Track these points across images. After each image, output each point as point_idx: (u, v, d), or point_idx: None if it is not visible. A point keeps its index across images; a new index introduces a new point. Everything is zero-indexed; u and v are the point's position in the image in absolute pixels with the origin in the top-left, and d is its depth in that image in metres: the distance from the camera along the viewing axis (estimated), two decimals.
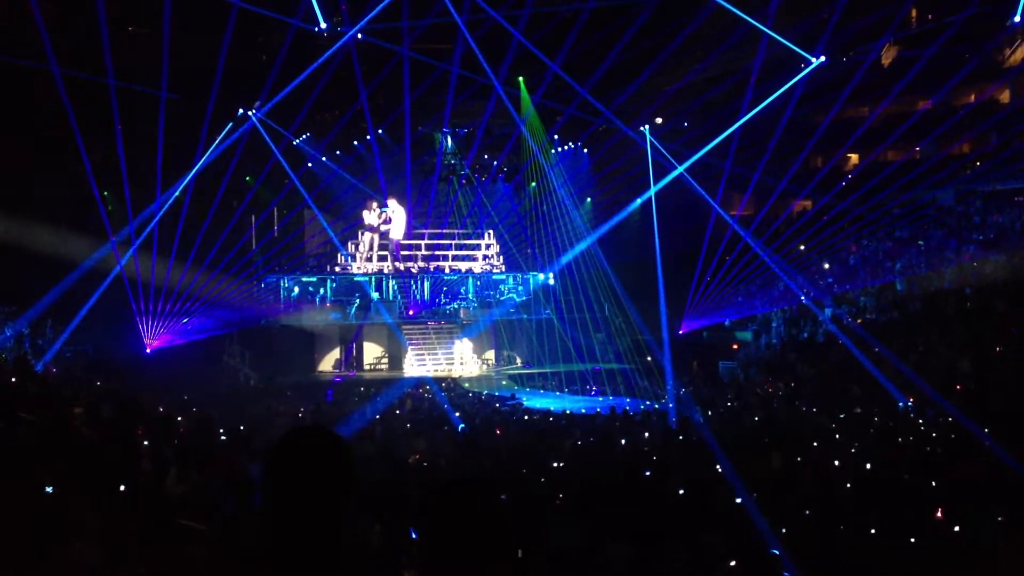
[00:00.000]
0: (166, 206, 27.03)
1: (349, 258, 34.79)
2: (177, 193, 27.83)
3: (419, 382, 27.35)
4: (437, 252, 35.95)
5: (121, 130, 24.15)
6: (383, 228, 34.40)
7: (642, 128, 32.51)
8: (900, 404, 20.46)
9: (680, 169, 30.73)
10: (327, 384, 29.18)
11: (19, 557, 4.94)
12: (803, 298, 29.47)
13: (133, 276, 26.15)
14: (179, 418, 17.90)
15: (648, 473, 12.08)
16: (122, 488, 7.99)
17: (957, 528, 9.21)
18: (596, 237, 32.54)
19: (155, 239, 26.44)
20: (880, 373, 22.45)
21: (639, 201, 32.26)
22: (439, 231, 36.24)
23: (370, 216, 34.38)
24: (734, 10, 24.56)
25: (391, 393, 23.99)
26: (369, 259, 34.74)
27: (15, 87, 24.81)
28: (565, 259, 33.07)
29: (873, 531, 9.29)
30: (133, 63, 24.59)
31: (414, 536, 7.48)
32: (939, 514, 9.31)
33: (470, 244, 36.64)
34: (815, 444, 15.03)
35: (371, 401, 22.81)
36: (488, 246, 36.79)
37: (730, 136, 29.39)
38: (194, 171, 27.29)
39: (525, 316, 35.02)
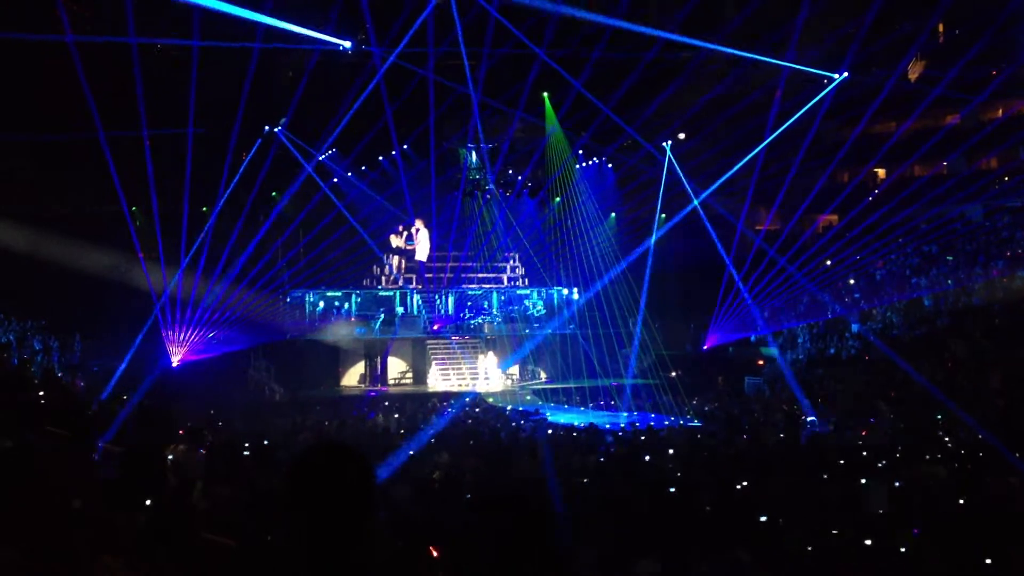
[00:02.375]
0: (208, 228, 27.35)
1: (375, 280, 35.01)
2: (204, 209, 28.13)
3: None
4: (462, 275, 36.03)
5: (149, 146, 24.36)
6: (408, 248, 34.58)
7: (664, 144, 32.57)
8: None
9: (704, 195, 30.78)
10: (357, 399, 29.24)
11: (47, 571, 4.95)
12: (828, 314, 29.34)
13: (160, 290, 26.33)
14: (204, 432, 17.98)
15: (673, 489, 12.02)
16: (148, 502, 8.01)
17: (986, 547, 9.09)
18: (627, 262, 32.44)
19: (183, 254, 26.65)
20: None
21: (675, 219, 32.08)
22: (462, 253, 36.20)
23: (397, 240, 34.59)
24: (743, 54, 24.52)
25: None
26: (396, 280, 34.89)
27: (47, 104, 25.18)
28: (599, 285, 32.79)
29: (903, 549, 9.19)
30: (162, 79, 24.84)
31: (435, 553, 7.45)
32: None
33: (495, 266, 36.70)
34: (841, 461, 14.91)
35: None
36: (514, 268, 36.88)
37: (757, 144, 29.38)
38: (226, 191, 27.55)
39: (549, 331, 34.97)
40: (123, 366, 24.39)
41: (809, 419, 22.24)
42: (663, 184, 32.35)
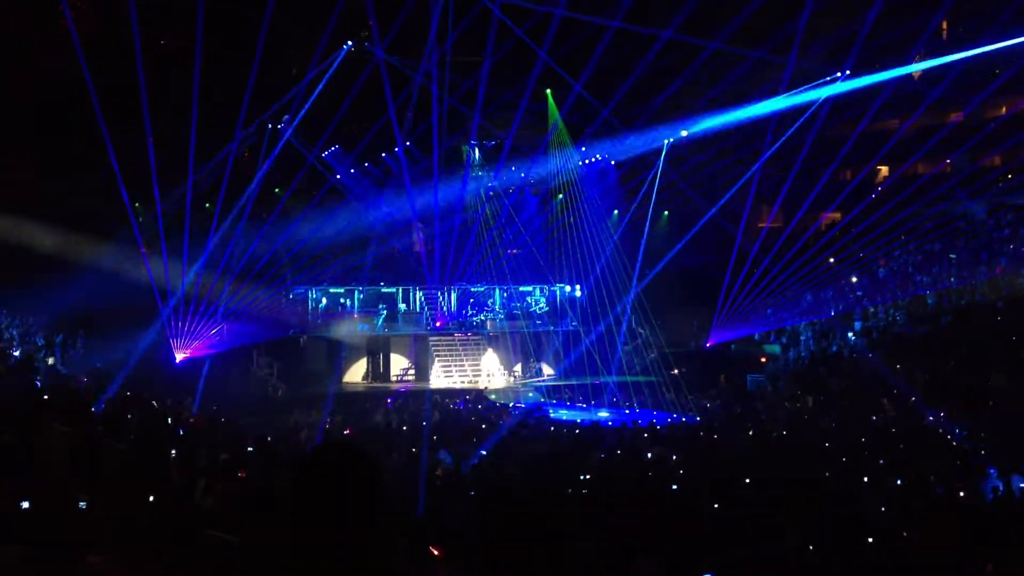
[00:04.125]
0: (212, 225, 27.36)
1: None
2: (207, 206, 28.14)
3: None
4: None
5: (152, 142, 24.34)
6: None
7: (666, 140, 32.62)
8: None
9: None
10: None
11: (49, 567, 4.98)
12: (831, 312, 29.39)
13: (163, 287, 26.34)
14: (208, 429, 18.01)
15: (675, 487, 12.04)
16: (151, 499, 8.04)
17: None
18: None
19: (185, 250, 26.63)
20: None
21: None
22: (464, 250, 36.18)
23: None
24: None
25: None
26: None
27: (50, 101, 25.20)
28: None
29: (904, 544, 9.21)
30: (165, 74, 24.83)
31: (437, 552, 7.46)
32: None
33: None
34: (844, 459, 14.94)
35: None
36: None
37: (759, 148, 29.36)
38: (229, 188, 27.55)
39: (551, 328, 35.00)
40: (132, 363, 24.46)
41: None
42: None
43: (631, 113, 29.79)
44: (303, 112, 28.18)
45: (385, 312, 33.95)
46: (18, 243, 24.11)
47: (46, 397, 15.14)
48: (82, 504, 6.85)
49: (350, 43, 25.83)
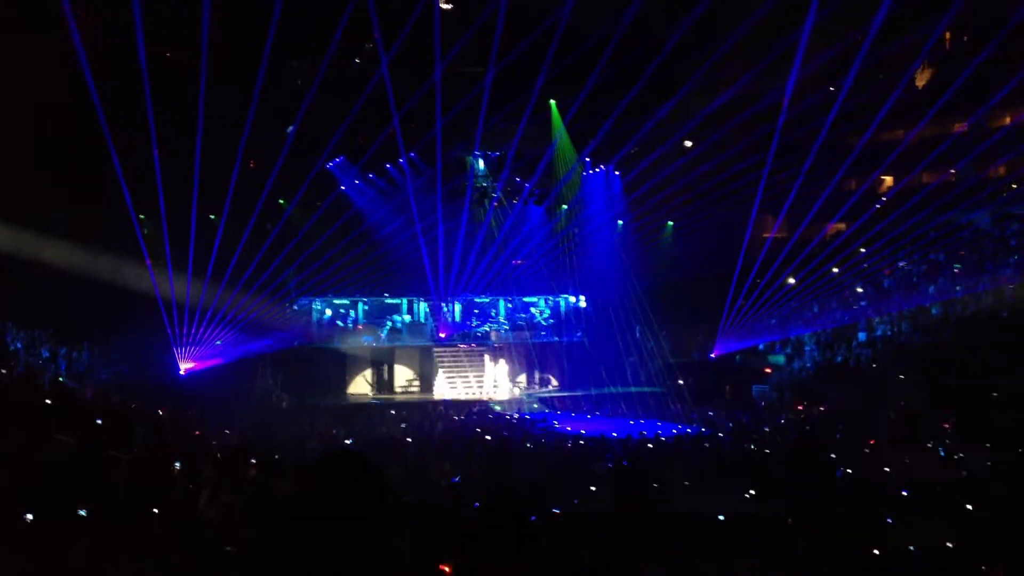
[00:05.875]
0: (216, 235, 27.41)
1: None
2: (212, 217, 28.19)
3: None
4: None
5: (158, 154, 24.41)
6: None
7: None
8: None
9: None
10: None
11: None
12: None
13: (168, 298, 26.38)
14: (212, 440, 18.01)
15: (680, 495, 12.03)
16: (156, 510, 8.03)
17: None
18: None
19: (190, 262, 26.69)
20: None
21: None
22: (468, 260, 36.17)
23: None
24: None
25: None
26: None
27: (55, 114, 25.29)
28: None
29: (911, 550, 9.18)
30: (170, 86, 24.90)
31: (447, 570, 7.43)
32: None
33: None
34: (849, 471, 14.90)
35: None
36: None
37: (763, 158, 29.35)
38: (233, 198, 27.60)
39: (556, 339, 34.97)
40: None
41: None
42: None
43: (631, 126, 29.85)
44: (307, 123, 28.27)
45: (390, 323, 33.95)
46: (23, 255, 24.17)
47: (51, 408, 15.16)
48: (82, 512, 6.86)
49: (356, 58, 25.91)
